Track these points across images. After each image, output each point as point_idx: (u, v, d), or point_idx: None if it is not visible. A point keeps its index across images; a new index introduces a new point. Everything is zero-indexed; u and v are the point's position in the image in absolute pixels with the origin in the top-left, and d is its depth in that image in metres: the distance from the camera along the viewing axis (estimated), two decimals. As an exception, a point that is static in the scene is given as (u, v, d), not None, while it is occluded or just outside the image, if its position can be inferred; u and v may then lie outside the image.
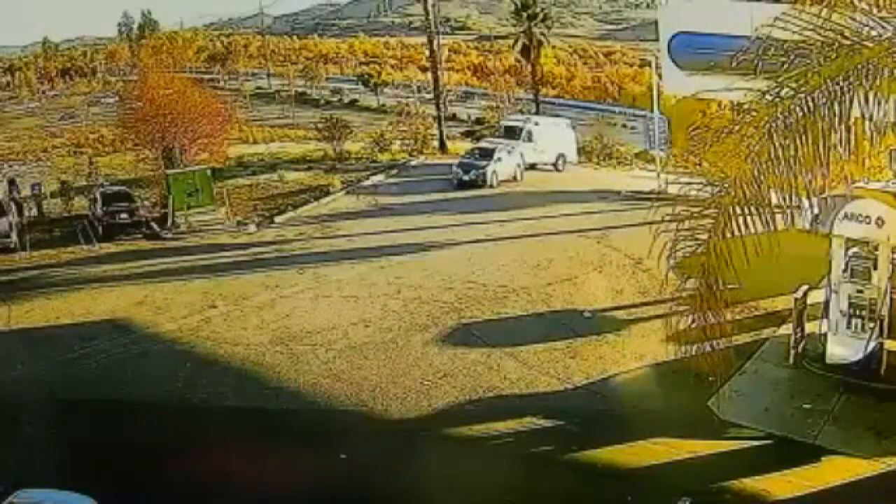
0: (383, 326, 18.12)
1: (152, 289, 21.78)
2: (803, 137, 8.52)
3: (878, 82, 8.30)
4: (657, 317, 15.30)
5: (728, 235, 8.82)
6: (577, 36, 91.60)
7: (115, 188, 31.44)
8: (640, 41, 72.83)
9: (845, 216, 13.23)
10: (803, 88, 8.59)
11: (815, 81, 8.52)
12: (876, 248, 13.38)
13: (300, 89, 64.63)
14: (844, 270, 13.68)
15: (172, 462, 12.57)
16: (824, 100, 8.48)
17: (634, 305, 18.03)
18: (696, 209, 8.91)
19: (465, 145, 39.05)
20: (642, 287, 18.75)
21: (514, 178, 32.36)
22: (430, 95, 45.31)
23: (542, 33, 40.56)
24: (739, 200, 8.72)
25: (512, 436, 13.48)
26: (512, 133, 35.29)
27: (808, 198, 9.62)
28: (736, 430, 13.03)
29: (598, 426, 13.60)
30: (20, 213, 29.85)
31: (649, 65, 34.89)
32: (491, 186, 31.09)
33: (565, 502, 11.79)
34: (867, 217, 13.04)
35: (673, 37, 23.18)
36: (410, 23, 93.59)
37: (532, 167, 33.81)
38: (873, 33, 8.65)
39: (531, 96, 43.62)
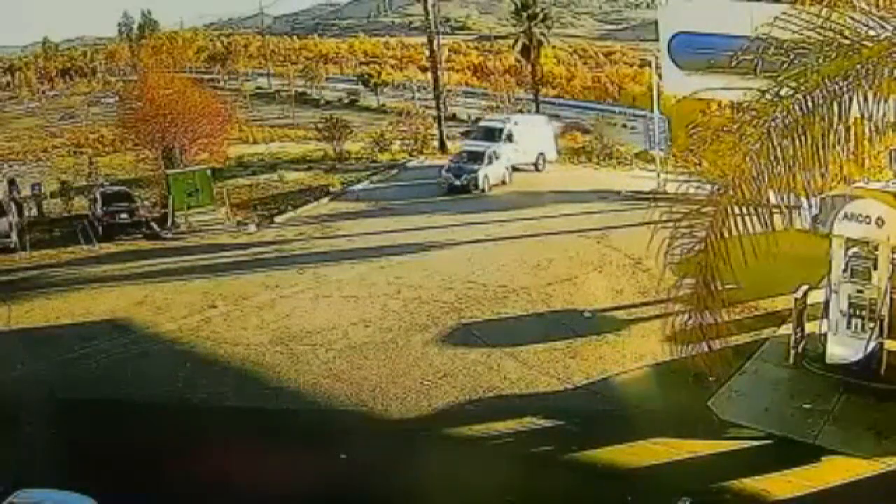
0: (383, 326, 18.13)
1: (152, 289, 21.78)
2: (802, 137, 8.52)
3: (877, 82, 8.31)
4: (657, 317, 15.28)
5: (726, 234, 8.82)
6: (577, 36, 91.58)
7: (115, 188, 31.44)
8: (640, 41, 72.81)
9: (845, 216, 13.22)
10: (802, 88, 8.60)
11: (815, 81, 8.53)
12: (876, 248, 13.38)
13: (300, 89, 64.62)
14: (844, 270, 13.67)
15: (172, 462, 12.56)
16: (823, 99, 8.48)
17: (634, 305, 18.03)
18: (694, 207, 8.91)
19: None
20: (642, 287, 18.75)
21: (503, 182, 31.66)
22: (430, 95, 45.33)
23: (542, 33, 40.58)
24: (738, 200, 8.72)
25: (512, 436, 13.47)
26: (491, 134, 34.04)
27: (808, 198, 9.63)
28: (736, 430, 13.02)
29: (598, 426, 13.59)
30: (20, 213, 29.83)
31: (649, 65, 34.89)
32: (483, 191, 30.44)
33: (565, 502, 11.78)
34: (867, 217, 13.03)
35: (673, 37, 23.22)
36: (410, 23, 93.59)
37: (514, 169, 32.81)
38: (872, 33, 8.65)
39: (531, 96, 43.58)
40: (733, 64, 9.26)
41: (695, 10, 22.10)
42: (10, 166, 42.38)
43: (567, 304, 18.66)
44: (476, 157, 31.43)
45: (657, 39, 25.01)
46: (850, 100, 8.46)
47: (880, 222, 12.93)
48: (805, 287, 14.72)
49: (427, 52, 46.77)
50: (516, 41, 41.84)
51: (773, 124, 8.64)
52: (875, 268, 13.40)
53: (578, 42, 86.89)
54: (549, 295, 19.24)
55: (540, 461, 12.85)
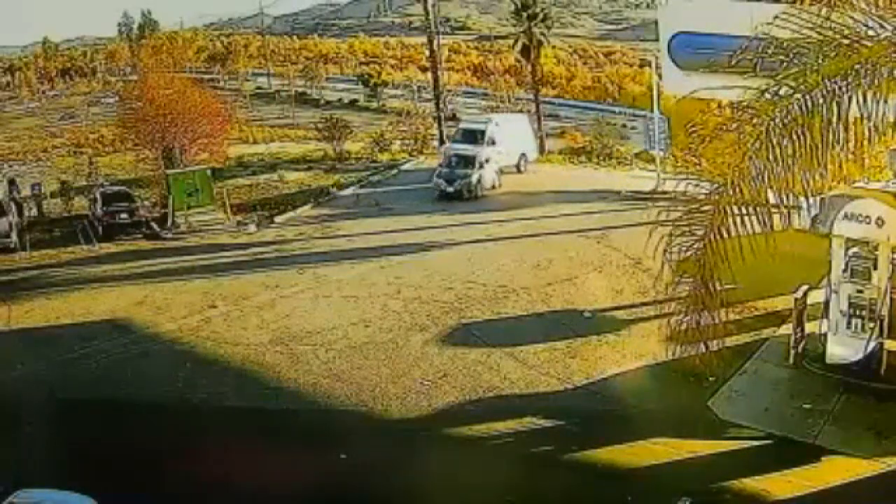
0: (383, 326, 18.13)
1: (152, 289, 21.79)
2: (801, 136, 8.53)
3: (876, 82, 8.31)
4: (657, 317, 15.28)
5: (725, 234, 8.83)
6: (577, 36, 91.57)
7: (115, 188, 31.48)
8: (640, 41, 72.82)
9: (845, 216, 13.21)
10: (802, 87, 8.61)
11: (814, 80, 8.54)
12: (876, 248, 13.38)
13: (300, 89, 64.63)
14: (844, 270, 13.67)
15: (172, 462, 12.57)
16: (823, 99, 8.49)
17: (634, 305, 18.03)
18: (693, 207, 8.92)
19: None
20: (642, 287, 18.73)
21: (494, 186, 30.50)
22: (430, 95, 45.33)
23: (542, 33, 40.42)
24: (737, 199, 8.73)
25: (512, 436, 13.47)
26: (473, 137, 32.72)
27: (807, 198, 9.63)
28: (736, 430, 13.02)
29: (598, 426, 13.59)
30: (20, 213, 29.85)
31: (649, 65, 34.86)
32: (476, 197, 29.38)
33: (565, 502, 11.78)
34: (867, 217, 13.02)
35: (673, 37, 23.18)
36: (410, 23, 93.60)
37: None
38: (871, 33, 8.66)
39: (531, 96, 43.53)
40: (733, 63, 9.26)
41: (695, 10, 22.08)
42: (10, 166, 42.40)
43: (567, 304, 18.65)
44: (467, 162, 30.26)
45: (657, 39, 24.99)
46: (850, 99, 8.46)
47: (880, 222, 12.92)
48: (805, 287, 14.72)
49: (427, 52, 46.73)
50: (516, 41, 41.69)
51: (772, 124, 8.65)
52: (875, 268, 13.40)
53: (578, 42, 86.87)
54: (548, 295, 19.24)
55: (540, 461, 12.85)
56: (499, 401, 14.56)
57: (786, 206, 8.88)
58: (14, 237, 26.80)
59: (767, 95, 8.74)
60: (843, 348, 13.77)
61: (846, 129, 8.57)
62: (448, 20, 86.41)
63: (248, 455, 12.52)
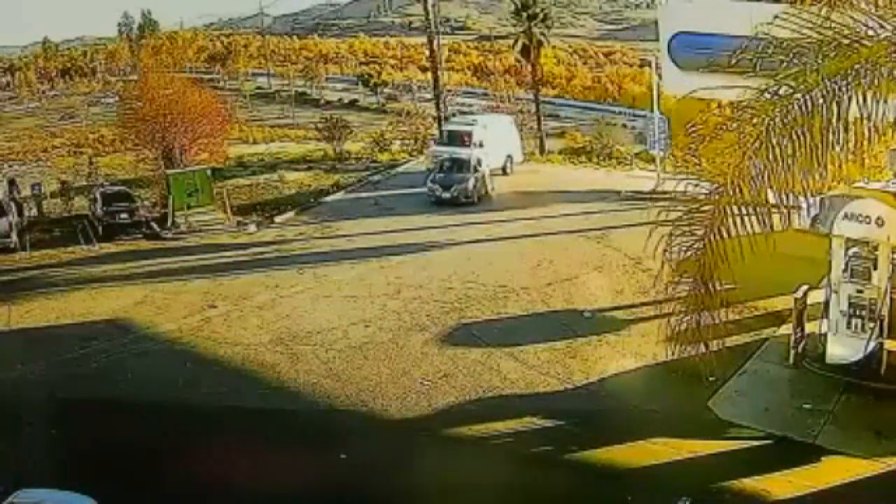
0: (383, 326, 18.13)
1: (152, 289, 21.79)
2: (801, 136, 8.52)
3: (876, 82, 8.30)
4: (657, 317, 15.26)
5: (725, 234, 8.83)
6: (577, 36, 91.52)
7: (115, 188, 31.46)
8: (640, 41, 72.77)
9: (845, 216, 13.22)
10: (801, 87, 8.60)
11: (814, 80, 8.53)
12: (876, 248, 13.38)
13: (300, 89, 64.62)
14: (844, 270, 13.68)
15: (172, 462, 12.59)
16: (822, 99, 8.48)
17: (634, 305, 18.03)
18: (693, 207, 8.92)
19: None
20: (642, 287, 18.72)
21: (487, 192, 29.34)
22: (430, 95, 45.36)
23: (542, 33, 40.44)
24: (737, 199, 8.73)
25: (512, 436, 13.47)
26: (457, 139, 31.75)
27: (808, 198, 9.63)
28: (736, 430, 13.02)
29: (598, 426, 13.60)
30: (20, 213, 29.82)
31: (649, 65, 34.85)
32: (474, 203, 28.30)
33: (565, 502, 11.78)
34: (867, 217, 13.03)
35: (673, 37, 23.18)
36: (410, 23, 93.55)
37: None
38: (871, 33, 8.66)
39: (531, 96, 43.55)
40: (733, 63, 9.26)
41: (695, 10, 22.08)
42: (10, 166, 42.39)
43: (567, 304, 18.66)
44: (461, 166, 29.12)
45: (657, 39, 24.99)
46: (850, 99, 8.46)
47: (880, 222, 12.93)
48: (805, 287, 14.72)
49: (427, 52, 46.74)
50: (516, 41, 41.71)
51: (772, 124, 8.65)
52: (875, 268, 13.40)
53: (578, 42, 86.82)
54: (549, 295, 19.24)
55: (540, 461, 12.85)
56: (499, 401, 14.56)
57: (786, 206, 8.88)
58: (14, 237, 26.79)
59: (767, 95, 8.74)
60: (843, 348, 13.77)
61: (846, 129, 8.56)
62: (448, 20, 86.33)
63: (248, 455, 12.53)
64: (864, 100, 8.40)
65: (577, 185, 30.60)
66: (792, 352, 14.61)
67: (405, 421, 14.15)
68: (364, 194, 32.01)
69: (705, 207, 8.98)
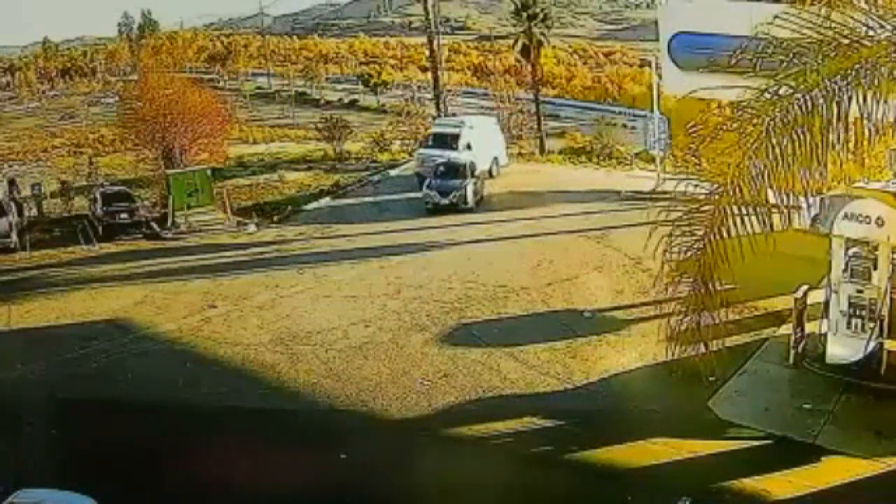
0: (383, 326, 18.12)
1: (152, 289, 21.80)
2: (801, 136, 8.53)
3: (876, 82, 8.31)
4: (657, 317, 15.26)
5: (725, 234, 8.83)
6: (577, 36, 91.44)
7: (115, 188, 31.50)
8: (640, 41, 72.72)
9: (845, 216, 13.21)
10: (801, 87, 8.61)
11: (814, 80, 8.54)
12: (876, 248, 13.38)
13: (300, 89, 64.60)
14: (844, 270, 13.67)
15: (172, 462, 12.59)
16: (822, 99, 8.49)
17: (634, 305, 18.02)
18: (693, 206, 8.92)
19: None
20: (642, 287, 18.71)
21: (481, 197, 28.82)
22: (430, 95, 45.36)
23: (542, 33, 40.39)
24: (737, 199, 8.73)
25: (512, 436, 13.46)
26: (444, 142, 30.90)
27: (808, 197, 9.63)
28: (736, 430, 13.01)
29: (598, 426, 13.59)
30: (20, 213, 29.85)
31: (649, 65, 34.83)
32: (472, 209, 27.57)
33: (565, 502, 11.78)
34: (867, 217, 13.02)
35: (673, 37, 23.20)
36: (410, 23, 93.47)
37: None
38: (871, 33, 8.66)
39: (531, 96, 43.52)
40: (733, 63, 9.27)
41: (695, 10, 22.10)
42: (10, 166, 42.38)
43: (567, 304, 18.64)
44: (457, 171, 28.39)
45: (657, 39, 24.99)
46: (850, 99, 8.47)
47: (880, 222, 12.92)
48: (805, 287, 14.71)
49: (427, 52, 46.72)
50: (516, 41, 41.67)
51: (772, 124, 8.65)
52: (875, 268, 13.40)
53: (578, 42, 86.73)
54: (548, 295, 19.23)
55: (540, 461, 12.85)
56: (499, 401, 14.56)
57: (786, 206, 8.88)
58: (14, 237, 26.83)
59: (767, 95, 8.74)
60: (843, 348, 13.77)
61: (846, 129, 8.57)
62: (448, 20, 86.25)
63: (248, 455, 12.53)
64: (864, 100, 8.41)
65: (577, 185, 30.59)
66: (792, 352, 14.61)
67: (405, 421, 14.15)
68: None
69: (705, 207, 8.99)
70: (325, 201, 31.42)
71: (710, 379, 13.25)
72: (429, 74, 47.66)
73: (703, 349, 9.37)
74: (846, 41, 8.63)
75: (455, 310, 18.71)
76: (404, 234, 25.09)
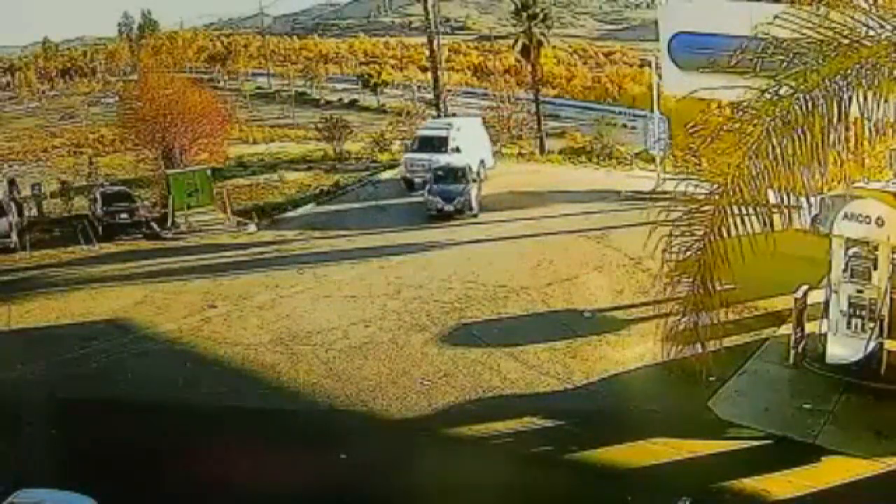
0: (383, 326, 18.13)
1: (152, 289, 21.80)
2: (802, 136, 8.53)
3: (876, 82, 8.31)
4: (657, 317, 15.25)
5: (725, 234, 8.83)
6: (577, 36, 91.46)
7: (115, 188, 31.51)
8: (640, 41, 72.72)
9: (845, 216, 13.21)
10: (802, 87, 8.61)
11: (814, 80, 8.54)
12: (876, 248, 13.37)
13: (300, 89, 64.60)
14: (844, 270, 13.67)
15: (172, 462, 12.59)
16: (823, 99, 8.49)
17: (634, 305, 18.02)
18: (693, 206, 8.92)
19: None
20: (642, 287, 18.69)
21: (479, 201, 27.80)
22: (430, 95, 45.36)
23: (542, 33, 40.40)
24: (737, 199, 8.73)
25: (512, 436, 13.47)
26: (432, 145, 30.29)
27: (808, 197, 9.63)
28: (736, 430, 13.01)
29: (598, 426, 13.59)
30: (20, 213, 29.87)
31: (649, 65, 34.84)
32: (475, 215, 26.87)
33: (565, 502, 11.78)
34: (867, 217, 13.02)
35: (673, 37, 23.19)
36: (410, 23, 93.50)
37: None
38: (871, 33, 8.66)
39: (531, 96, 43.54)
40: (733, 63, 9.27)
41: (695, 10, 22.10)
42: (10, 166, 42.40)
43: (567, 304, 18.64)
44: (457, 176, 27.70)
45: (657, 39, 24.99)
46: (850, 99, 8.47)
47: (880, 222, 12.92)
48: (805, 287, 14.71)
49: (427, 52, 46.73)
50: (516, 41, 41.69)
51: (772, 124, 8.65)
52: (875, 268, 13.39)
53: (578, 42, 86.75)
54: (549, 295, 19.22)
55: (540, 461, 12.85)
56: (499, 401, 14.56)
57: (786, 206, 8.88)
58: (14, 237, 26.84)
59: (767, 95, 8.74)
60: (843, 348, 13.76)
61: (846, 129, 8.57)
62: (448, 20, 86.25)
63: (248, 455, 12.53)
64: (865, 100, 8.41)
65: (577, 185, 30.55)
66: (792, 352, 14.61)
67: (405, 421, 14.15)
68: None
69: (705, 207, 8.99)
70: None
71: (710, 379, 13.25)
72: (429, 74, 47.66)
73: (702, 349, 9.36)
74: (846, 41, 8.63)
75: (455, 310, 18.71)
76: (404, 234, 25.09)
